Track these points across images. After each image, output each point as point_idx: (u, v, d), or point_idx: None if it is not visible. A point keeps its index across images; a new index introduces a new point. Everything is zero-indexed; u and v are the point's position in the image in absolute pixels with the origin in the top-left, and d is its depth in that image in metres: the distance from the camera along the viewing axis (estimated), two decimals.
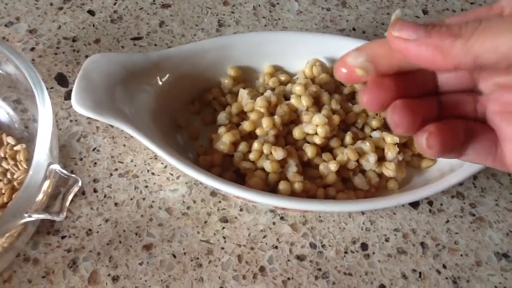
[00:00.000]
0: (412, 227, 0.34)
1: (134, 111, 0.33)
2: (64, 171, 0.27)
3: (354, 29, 0.45)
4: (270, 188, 0.32)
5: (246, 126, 0.33)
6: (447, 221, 0.35)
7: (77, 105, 0.30)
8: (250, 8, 0.46)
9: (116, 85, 0.33)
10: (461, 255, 0.34)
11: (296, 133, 0.33)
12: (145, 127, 0.32)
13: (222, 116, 0.35)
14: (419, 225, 0.35)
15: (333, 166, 0.32)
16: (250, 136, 0.34)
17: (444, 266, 0.33)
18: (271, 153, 0.32)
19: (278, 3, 0.46)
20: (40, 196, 0.26)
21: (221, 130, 0.33)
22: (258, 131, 0.33)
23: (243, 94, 0.35)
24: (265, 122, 0.33)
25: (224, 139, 0.33)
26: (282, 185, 0.31)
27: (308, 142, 0.34)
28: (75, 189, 0.26)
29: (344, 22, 0.46)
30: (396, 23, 0.21)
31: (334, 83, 0.37)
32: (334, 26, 0.45)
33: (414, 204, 0.35)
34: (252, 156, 0.32)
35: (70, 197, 0.26)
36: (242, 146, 0.33)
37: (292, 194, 0.31)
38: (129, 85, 0.33)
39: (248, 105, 0.34)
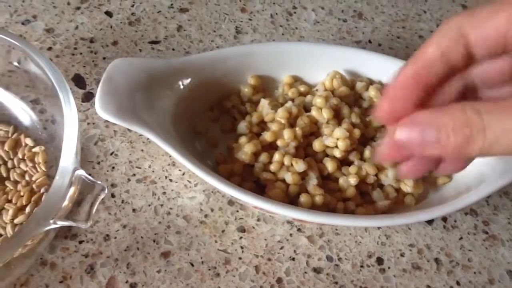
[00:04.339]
0: (426, 242, 0.35)
1: (155, 116, 0.33)
2: (90, 177, 0.26)
3: (370, 41, 0.46)
4: (290, 200, 0.32)
5: (267, 136, 0.33)
6: (461, 238, 0.35)
7: (101, 110, 0.30)
8: (268, 16, 0.46)
9: (138, 90, 0.33)
10: (475, 273, 0.34)
11: (316, 145, 0.34)
12: (165, 133, 0.32)
13: (242, 126, 0.35)
14: (433, 241, 0.35)
15: (353, 180, 0.33)
16: (270, 147, 0.34)
17: (458, 283, 0.33)
18: (292, 165, 0.32)
19: (295, 12, 0.47)
20: (65, 203, 0.25)
21: (243, 139, 0.33)
22: (279, 142, 0.33)
23: (264, 104, 0.35)
24: (287, 134, 0.33)
25: (246, 149, 0.33)
26: (304, 198, 0.31)
27: (328, 155, 0.34)
28: (102, 196, 0.26)
29: (360, 34, 0.46)
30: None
31: (353, 96, 0.37)
32: (350, 38, 0.46)
33: (429, 220, 0.36)
34: (273, 167, 0.32)
35: (96, 204, 0.26)
36: (263, 157, 0.33)
37: (313, 207, 0.31)
38: (150, 90, 0.33)
39: (269, 115, 0.34)
